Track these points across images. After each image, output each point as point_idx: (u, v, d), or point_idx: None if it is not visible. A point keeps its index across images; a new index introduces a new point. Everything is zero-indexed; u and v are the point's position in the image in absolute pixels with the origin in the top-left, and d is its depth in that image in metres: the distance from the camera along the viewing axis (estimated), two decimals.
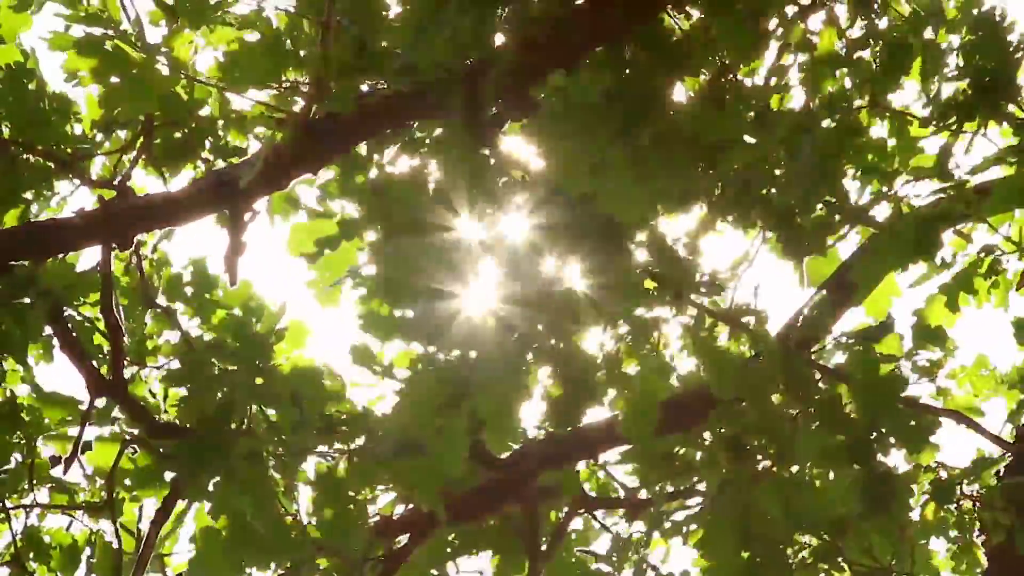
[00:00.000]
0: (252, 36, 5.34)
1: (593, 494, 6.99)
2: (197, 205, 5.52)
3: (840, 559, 5.53)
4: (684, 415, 6.11)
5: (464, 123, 4.95)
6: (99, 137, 6.18)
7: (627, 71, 4.82)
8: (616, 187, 4.76)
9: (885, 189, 5.30)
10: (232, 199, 5.46)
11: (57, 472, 6.98)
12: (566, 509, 6.62)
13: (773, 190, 5.08)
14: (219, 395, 6.25)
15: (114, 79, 5.51)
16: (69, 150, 6.10)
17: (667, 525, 5.87)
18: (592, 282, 5.14)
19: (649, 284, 5.15)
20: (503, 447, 5.45)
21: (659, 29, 4.83)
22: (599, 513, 6.85)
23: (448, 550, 6.60)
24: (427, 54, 4.78)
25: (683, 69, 4.85)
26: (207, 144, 6.26)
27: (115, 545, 6.87)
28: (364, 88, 5.22)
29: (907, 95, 5.44)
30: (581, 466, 6.71)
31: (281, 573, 6.20)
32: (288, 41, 5.33)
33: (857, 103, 5.28)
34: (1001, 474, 5.74)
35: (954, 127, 5.24)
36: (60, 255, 6.00)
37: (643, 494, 6.42)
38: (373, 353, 5.44)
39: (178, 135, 6.13)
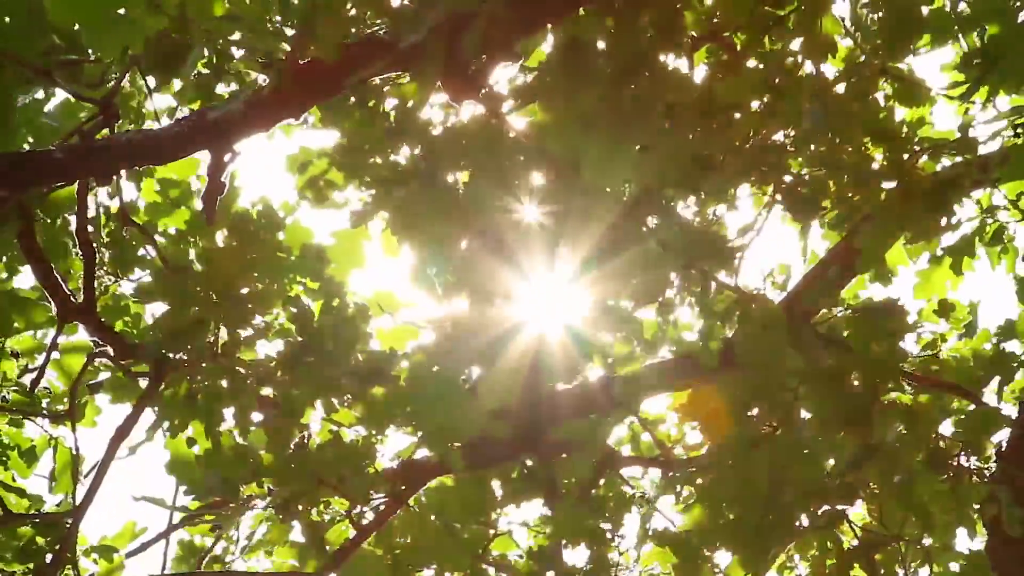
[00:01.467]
0: None
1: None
2: (179, 144, 5.36)
3: (848, 524, 5.61)
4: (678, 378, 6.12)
5: (444, 72, 4.79)
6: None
7: (613, 29, 4.66)
8: (598, 150, 4.66)
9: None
10: (214, 139, 5.33)
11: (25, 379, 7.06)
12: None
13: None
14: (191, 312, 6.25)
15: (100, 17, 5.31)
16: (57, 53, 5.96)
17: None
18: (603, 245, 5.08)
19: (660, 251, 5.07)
20: (496, 402, 5.47)
21: None
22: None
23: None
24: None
25: (673, 31, 4.69)
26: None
27: (74, 451, 6.92)
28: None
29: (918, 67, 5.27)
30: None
31: (278, 503, 6.19)
32: None
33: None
34: (1002, 448, 5.68)
35: (965, 95, 5.08)
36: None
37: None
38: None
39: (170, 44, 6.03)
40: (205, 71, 6.21)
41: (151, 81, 6.20)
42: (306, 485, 6.07)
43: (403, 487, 6.42)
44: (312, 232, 6.66)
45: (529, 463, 6.65)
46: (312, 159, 5.69)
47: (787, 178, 5.02)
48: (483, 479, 6.77)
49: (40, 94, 6.24)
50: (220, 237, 6.41)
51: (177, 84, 6.32)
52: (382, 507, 6.44)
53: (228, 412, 6.77)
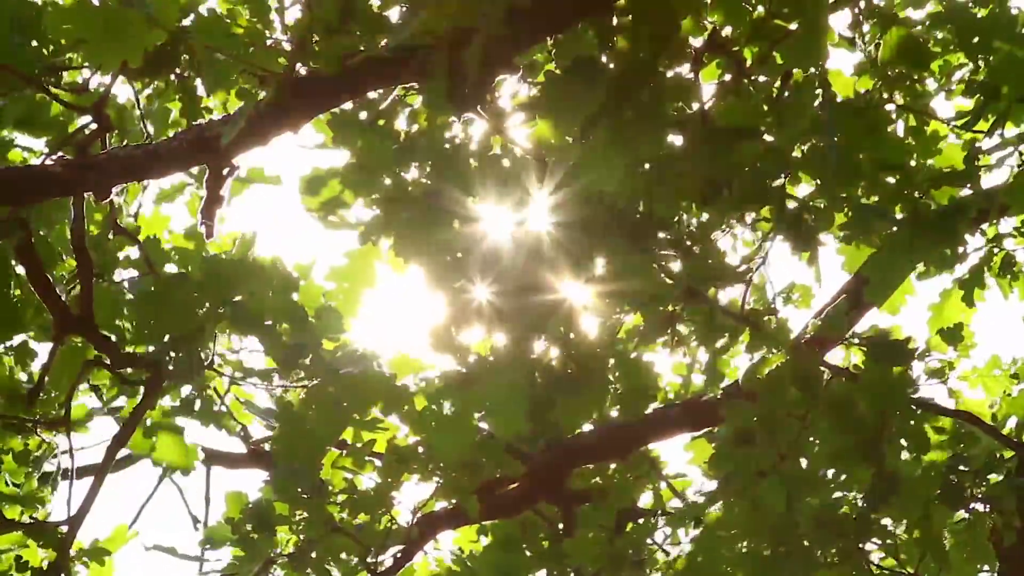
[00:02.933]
0: None
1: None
2: (177, 159, 5.34)
3: (864, 560, 5.49)
4: (693, 419, 6.14)
5: (448, 88, 4.73)
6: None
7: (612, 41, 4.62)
8: (594, 157, 4.63)
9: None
10: (212, 154, 5.29)
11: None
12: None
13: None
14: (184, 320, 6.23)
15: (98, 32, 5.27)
16: (46, 50, 5.99)
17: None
18: (608, 273, 5.03)
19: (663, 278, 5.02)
20: (507, 432, 5.38)
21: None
22: None
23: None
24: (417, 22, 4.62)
25: (671, 40, 4.64)
26: (184, 59, 6.16)
27: (68, 461, 7.01)
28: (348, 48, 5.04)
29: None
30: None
31: (290, 553, 6.16)
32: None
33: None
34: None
35: (968, 123, 5.05)
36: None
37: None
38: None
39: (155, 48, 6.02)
40: (188, 73, 6.22)
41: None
42: (320, 532, 6.05)
43: (419, 535, 6.39)
44: (323, 292, 6.68)
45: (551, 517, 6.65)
46: (324, 179, 5.67)
47: (789, 206, 4.94)
48: (512, 540, 6.75)
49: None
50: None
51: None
52: (398, 555, 6.41)
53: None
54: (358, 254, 6.85)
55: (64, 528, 6.75)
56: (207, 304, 6.22)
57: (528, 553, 6.80)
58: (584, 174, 4.61)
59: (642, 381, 5.49)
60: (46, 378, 6.85)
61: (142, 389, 6.71)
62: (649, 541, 6.43)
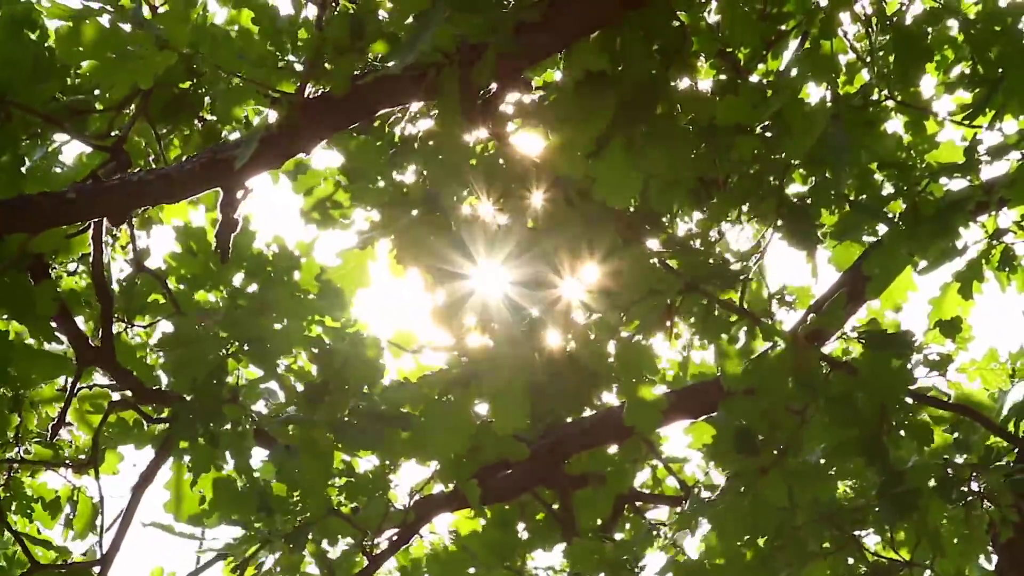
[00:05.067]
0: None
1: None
2: (191, 182, 5.39)
3: (859, 550, 5.55)
4: (694, 405, 6.08)
5: (460, 105, 4.81)
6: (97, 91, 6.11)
7: (622, 56, 4.68)
8: (611, 174, 4.67)
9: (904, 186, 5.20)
10: (225, 177, 5.35)
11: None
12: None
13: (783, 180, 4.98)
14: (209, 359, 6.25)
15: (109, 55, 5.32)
16: (65, 99, 6.03)
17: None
18: (605, 269, 5.07)
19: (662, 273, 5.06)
20: (508, 428, 5.37)
21: (656, 15, 4.68)
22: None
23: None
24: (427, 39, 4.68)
25: (681, 56, 4.72)
26: (206, 102, 6.21)
27: (97, 501, 6.98)
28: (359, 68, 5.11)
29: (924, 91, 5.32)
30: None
31: (288, 533, 6.17)
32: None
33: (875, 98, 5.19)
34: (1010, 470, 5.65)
35: (969, 120, 5.13)
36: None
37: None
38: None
39: (176, 92, 6.10)
40: (212, 117, 6.26)
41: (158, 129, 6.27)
42: (318, 514, 6.10)
43: (415, 518, 6.43)
44: (326, 270, 6.68)
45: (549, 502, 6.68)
46: (319, 181, 5.69)
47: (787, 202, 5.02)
48: (508, 520, 6.78)
49: (52, 145, 6.28)
50: (238, 280, 6.45)
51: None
52: (394, 538, 6.44)
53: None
54: (352, 255, 6.81)
55: (96, 569, 6.74)
56: (231, 342, 6.23)
57: (526, 534, 6.86)
58: (599, 190, 4.68)
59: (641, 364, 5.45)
60: (67, 413, 6.86)
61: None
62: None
